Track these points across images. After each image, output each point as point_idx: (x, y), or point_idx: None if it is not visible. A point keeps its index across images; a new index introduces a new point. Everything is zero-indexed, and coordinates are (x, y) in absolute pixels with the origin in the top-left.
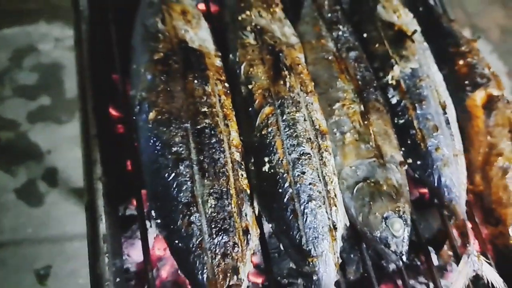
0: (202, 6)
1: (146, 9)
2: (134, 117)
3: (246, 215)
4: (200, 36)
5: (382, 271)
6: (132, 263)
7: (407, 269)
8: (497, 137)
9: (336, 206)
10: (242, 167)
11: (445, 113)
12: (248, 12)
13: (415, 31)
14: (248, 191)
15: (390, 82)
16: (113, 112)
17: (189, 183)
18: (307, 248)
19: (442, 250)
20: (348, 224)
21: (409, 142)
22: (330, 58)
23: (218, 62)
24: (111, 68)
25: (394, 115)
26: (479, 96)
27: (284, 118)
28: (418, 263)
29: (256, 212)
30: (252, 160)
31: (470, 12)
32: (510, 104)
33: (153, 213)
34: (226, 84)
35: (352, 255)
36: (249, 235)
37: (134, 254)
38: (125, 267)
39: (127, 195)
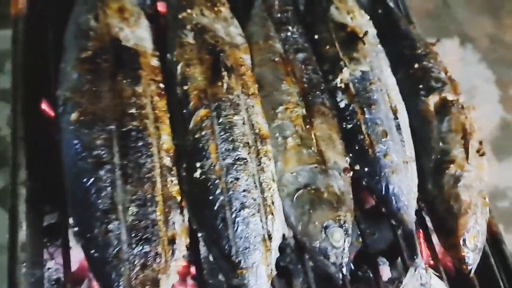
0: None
1: (80, 7)
2: (58, 119)
3: (174, 223)
4: (137, 34)
5: (330, 283)
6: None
7: (359, 281)
8: (450, 143)
9: (272, 214)
10: (173, 172)
11: (396, 118)
12: (189, 11)
13: (366, 33)
14: (179, 198)
15: (339, 85)
16: (45, 114)
17: (109, 188)
18: (237, 260)
19: (396, 262)
20: (287, 234)
21: (356, 147)
22: (276, 59)
23: (154, 61)
24: (46, 68)
25: (342, 119)
26: (432, 101)
27: (220, 121)
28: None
29: (186, 221)
30: (184, 166)
31: (460, 20)
32: (464, 110)
33: (71, 220)
34: (161, 85)
35: (299, 266)
36: (175, 245)
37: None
38: (55, 277)
39: (54, 202)
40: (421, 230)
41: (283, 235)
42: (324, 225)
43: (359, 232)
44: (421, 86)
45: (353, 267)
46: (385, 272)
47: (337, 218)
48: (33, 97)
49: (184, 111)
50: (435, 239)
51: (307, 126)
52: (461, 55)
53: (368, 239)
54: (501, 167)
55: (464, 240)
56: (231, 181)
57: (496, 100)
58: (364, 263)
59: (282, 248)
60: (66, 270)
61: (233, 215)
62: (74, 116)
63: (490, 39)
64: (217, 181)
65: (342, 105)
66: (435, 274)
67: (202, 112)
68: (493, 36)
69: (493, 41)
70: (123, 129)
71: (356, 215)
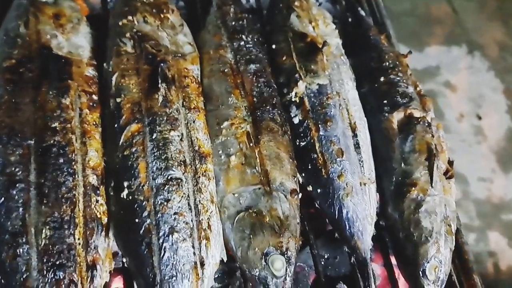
0: None
1: (12, 12)
2: None
3: (96, 247)
4: (72, 42)
5: None
6: None
7: None
8: (412, 165)
9: (208, 239)
10: (99, 192)
11: (355, 135)
12: (130, 17)
13: (325, 43)
14: (105, 220)
15: (293, 99)
16: None
17: (21, 209)
18: None
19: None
20: (225, 259)
21: (309, 167)
22: (226, 70)
23: (90, 71)
24: None
25: (295, 136)
26: (397, 118)
27: (153, 137)
28: None
29: (111, 244)
30: (112, 185)
31: (469, 28)
32: (431, 127)
33: None
34: (94, 97)
35: None
36: (95, 271)
37: None
38: None
39: None
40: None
41: (222, 260)
42: (265, 252)
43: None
44: (385, 101)
45: None
46: None
47: (279, 245)
48: None
49: (116, 125)
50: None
51: (252, 144)
52: (469, 63)
53: (328, 262)
54: (508, 178)
55: (423, 271)
56: (161, 203)
57: (504, 110)
58: None
59: (231, 270)
60: None
61: (160, 240)
62: None
63: (500, 47)
64: (144, 203)
65: (296, 121)
66: None
67: (133, 127)
68: (503, 44)
69: (503, 49)
70: (43, 145)
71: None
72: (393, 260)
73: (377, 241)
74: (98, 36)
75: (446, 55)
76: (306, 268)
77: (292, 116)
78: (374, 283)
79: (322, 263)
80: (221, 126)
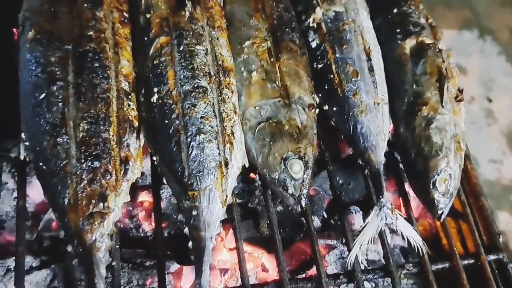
0: None
1: None
2: (18, 39)
3: (128, 145)
4: None
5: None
6: (31, 203)
7: (330, 229)
8: (424, 86)
9: (231, 143)
10: (130, 97)
11: (369, 59)
12: None
13: None
14: (136, 123)
15: (311, 25)
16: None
17: (60, 104)
18: (189, 182)
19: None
20: (247, 165)
21: (326, 87)
22: None
23: None
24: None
25: (313, 59)
26: (409, 45)
27: (180, 49)
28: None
29: (142, 145)
30: (143, 91)
31: (480, 12)
32: (442, 53)
33: (23, 135)
34: (126, 14)
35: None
36: (128, 165)
37: (32, 194)
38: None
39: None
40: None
41: (244, 167)
42: (284, 156)
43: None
44: (398, 30)
45: (325, 215)
46: (358, 220)
47: (297, 150)
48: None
49: (145, 38)
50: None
51: (273, 60)
52: (480, 47)
53: (342, 188)
54: None
55: (433, 183)
56: (188, 107)
57: None
58: (335, 211)
59: (251, 190)
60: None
61: (188, 139)
62: (30, 34)
63: (511, 32)
64: (173, 106)
65: (313, 45)
66: (401, 215)
67: (162, 39)
68: None
69: None
70: (80, 50)
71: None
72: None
73: (390, 170)
74: None
75: (457, 39)
76: (321, 192)
77: (310, 40)
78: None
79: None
80: (243, 45)
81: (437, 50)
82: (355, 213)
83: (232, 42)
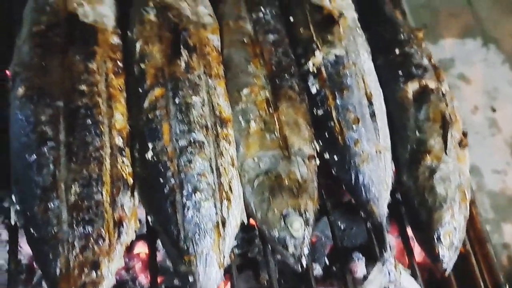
0: None
1: None
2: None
3: (122, 205)
4: (98, 11)
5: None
6: (25, 255)
7: (332, 277)
8: (427, 132)
9: (229, 200)
10: (124, 153)
11: (370, 104)
12: None
13: (341, 15)
14: (130, 181)
15: (310, 69)
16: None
17: (51, 166)
18: (184, 245)
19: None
20: (245, 221)
21: (327, 135)
22: (245, 40)
23: (114, 39)
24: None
25: (313, 105)
26: (411, 88)
27: (176, 101)
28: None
29: (137, 204)
30: (137, 147)
31: (483, 20)
32: (445, 97)
33: (13, 198)
34: (119, 64)
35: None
36: (122, 227)
37: (26, 246)
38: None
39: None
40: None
41: (243, 223)
42: (283, 213)
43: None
44: (400, 72)
45: (327, 262)
46: (361, 268)
47: (297, 206)
48: None
49: (140, 90)
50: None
51: (271, 110)
52: (484, 56)
53: (344, 233)
54: None
55: (438, 236)
56: (184, 164)
57: None
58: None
59: (250, 238)
60: (11, 249)
61: (184, 199)
62: (20, 90)
63: None
64: (168, 163)
65: (313, 90)
66: (404, 271)
67: (157, 91)
68: None
69: None
70: (72, 106)
71: (332, 208)
72: (409, 232)
73: (392, 214)
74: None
75: (461, 47)
76: (323, 238)
77: (310, 85)
78: (390, 249)
79: (339, 234)
80: (241, 93)
81: (441, 94)
82: (358, 260)
83: (229, 89)
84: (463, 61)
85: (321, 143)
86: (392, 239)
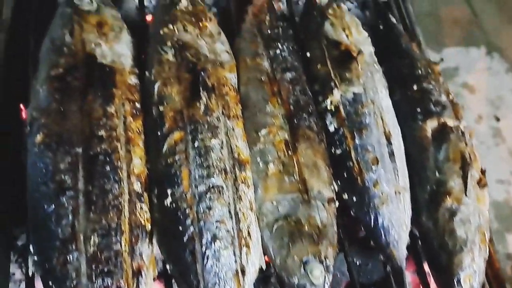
0: None
1: (57, 21)
2: (26, 139)
3: (141, 254)
4: (115, 50)
5: None
6: None
7: None
8: (447, 173)
9: (248, 247)
10: (143, 199)
11: (389, 143)
12: (171, 26)
13: (360, 52)
14: (149, 227)
15: (328, 107)
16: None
17: (70, 216)
18: None
19: None
20: (264, 267)
21: (345, 175)
22: (263, 78)
23: (132, 79)
24: (26, 82)
25: (331, 144)
26: (430, 126)
27: (195, 145)
28: None
29: (154, 250)
30: (156, 192)
31: (488, 29)
32: (465, 136)
33: (31, 248)
34: (137, 105)
35: None
36: (141, 277)
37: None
38: None
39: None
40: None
41: (261, 268)
42: (304, 260)
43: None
44: (418, 109)
45: None
46: None
47: (318, 253)
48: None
49: (159, 133)
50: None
51: (290, 152)
52: (488, 65)
53: (360, 269)
54: None
55: (458, 280)
56: (203, 211)
57: None
58: None
59: (266, 277)
60: None
61: (203, 248)
62: (38, 137)
63: None
64: (187, 210)
65: (331, 129)
66: None
67: (176, 135)
68: None
69: None
70: (91, 152)
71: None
72: (426, 267)
73: (409, 249)
74: (137, 43)
75: (465, 56)
76: (338, 275)
77: (328, 124)
78: None
79: (355, 270)
80: (259, 134)
81: (460, 132)
82: None
83: (247, 129)
84: (467, 69)
85: (339, 183)
86: (408, 275)
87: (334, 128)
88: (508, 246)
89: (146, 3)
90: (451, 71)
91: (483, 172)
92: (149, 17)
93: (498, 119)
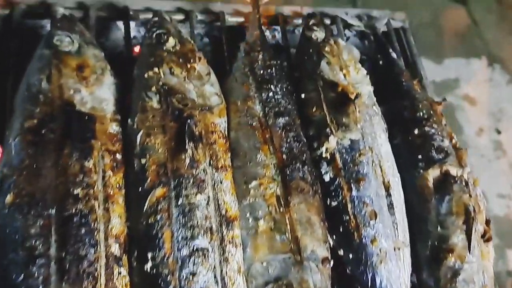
0: None
1: (34, 64)
2: None
3: None
4: (96, 95)
5: None
6: None
7: None
8: (449, 228)
9: None
10: (121, 262)
11: (388, 195)
12: (156, 69)
13: (357, 95)
14: None
15: (324, 155)
16: None
17: (41, 287)
18: None
19: None
20: None
21: (341, 229)
22: (254, 124)
23: (113, 127)
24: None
25: (326, 195)
26: (432, 175)
27: (179, 202)
28: None
29: None
30: (135, 255)
31: (489, 40)
32: (469, 186)
33: None
34: (118, 156)
35: None
36: None
37: None
38: None
39: None
40: None
41: None
42: None
43: None
44: (420, 156)
45: None
46: None
47: None
48: None
49: (140, 189)
50: None
51: (282, 208)
52: (489, 76)
53: None
54: None
55: None
56: (186, 277)
57: None
58: None
59: None
60: None
61: None
62: (9, 198)
63: None
64: (169, 277)
65: (326, 178)
66: None
67: (159, 191)
68: None
69: None
70: (65, 213)
71: None
72: None
73: None
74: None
75: (466, 67)
76: None
77: (323, 172)
78: None
79: None
80: (249, 186)
81: (464, 183)
82: None
83: (237, 180)
84: (468, 81)
85: (334, 237)
86: None
87: (330, 177)
88: (508, 262)
89: (134, 33)
90: (451, 82)
91: (487, 222)
92: (137, 49)
93: (499, 132)
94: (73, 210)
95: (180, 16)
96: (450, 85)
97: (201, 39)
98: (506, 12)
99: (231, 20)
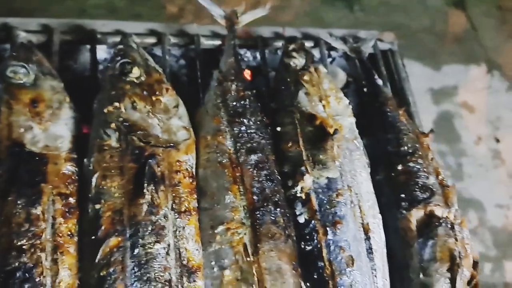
0: None
1: None
2: None
3: None
4: (50, 132)
5: None
6: None
7: None
8: (432, 276)
9: None
10: None
11: (367, 238)
12: (117, 104)
13: (336, 131)
14: None
15: (299, 194)
16: None
17: None
18: None
19: None
20: None
21: (315, 276)
22: (224, 161)
23: (68, 168)
24: None
25: (301, 238)
26: (415, 217)
27: (135, 253)
28: None
29: None
30: None
31: (488, 46)
32: (454, 228)
33: None
34: (72, 200)
35: None
36: None
37: None
38: None
39: None
40: None
41: None
42: None
43: None
44: (403, 195)
45: None
46: None
47: None
48: None
49: (93, 237)
50: None
51: (250, 257)
52: (488, 83)
53: None
54: None
55: None
56: None
57: None
58: None
59: None
60: None
61: None
62: None
63: None
64: None
65: (301, 220)
66: None
67: (113, 241)
68: None
69: None
70: (7, 268)
71: None
72: None
73: None
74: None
75: (464, 74)
76: None
77: (297, 214)
78: None
79: None
80: (215, 231)
81: (449, 226)
82: None
83: (203, 223)
84: (466, 88)
85: (308, 285)
86: None
87: (305, 219)
88: (505, 274)
89: (105, 55)
90: (449, 89)
91: (475, 265)
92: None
93: (498, 141)
94: (16, 264)
95: (152, 40)
96: (448, 92)
97: (176, 61)
98: (505, 17)
99: (207, 43)
